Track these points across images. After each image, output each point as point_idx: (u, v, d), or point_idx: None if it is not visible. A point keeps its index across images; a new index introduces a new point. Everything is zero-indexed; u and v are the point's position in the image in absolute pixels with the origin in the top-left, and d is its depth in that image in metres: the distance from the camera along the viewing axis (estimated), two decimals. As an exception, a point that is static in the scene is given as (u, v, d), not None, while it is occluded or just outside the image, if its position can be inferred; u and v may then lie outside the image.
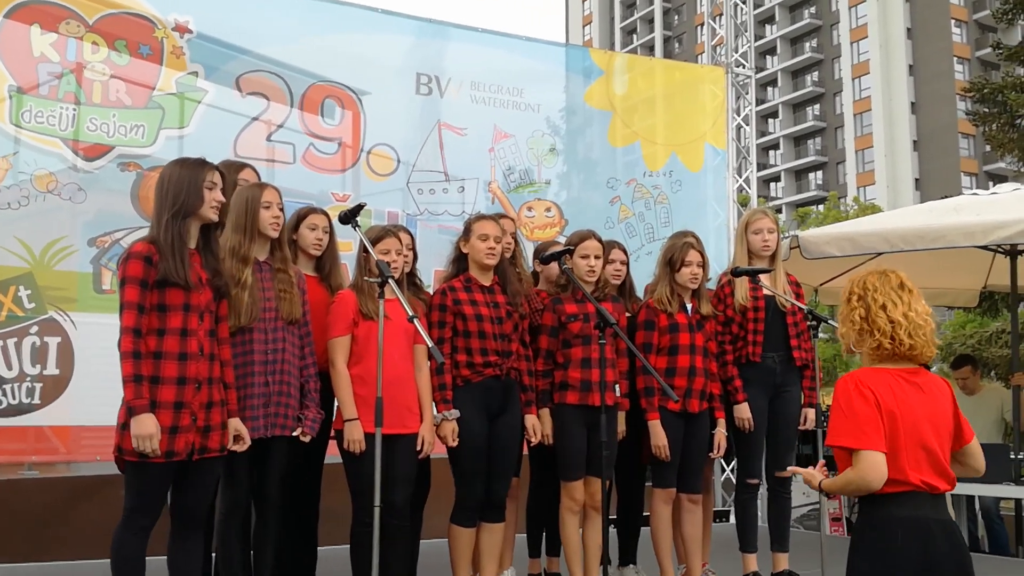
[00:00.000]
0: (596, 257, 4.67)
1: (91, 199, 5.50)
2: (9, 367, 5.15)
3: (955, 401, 2.84)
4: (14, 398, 5.15)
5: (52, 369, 5.27)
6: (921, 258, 6.25)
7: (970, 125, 19.41)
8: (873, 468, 2.65)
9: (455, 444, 4.31)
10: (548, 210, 7.17)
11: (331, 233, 4.46)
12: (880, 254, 6.20)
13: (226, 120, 6.03)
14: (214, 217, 3.57)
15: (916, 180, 54.19)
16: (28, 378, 5.18)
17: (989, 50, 17.63)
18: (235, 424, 3.65)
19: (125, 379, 3.35)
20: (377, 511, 3.72)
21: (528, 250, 5.55)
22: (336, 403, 4.19)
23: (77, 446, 5.41)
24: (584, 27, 76.00)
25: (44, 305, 5.29)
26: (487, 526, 4.46)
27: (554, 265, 4.74)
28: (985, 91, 15.01)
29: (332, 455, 4.25)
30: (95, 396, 5.09)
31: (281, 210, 4.03)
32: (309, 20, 6.46)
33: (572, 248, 4.63)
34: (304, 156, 6.24)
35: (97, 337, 5.10)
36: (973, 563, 2.74)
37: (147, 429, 3.30)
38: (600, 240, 4.74)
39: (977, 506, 6.82)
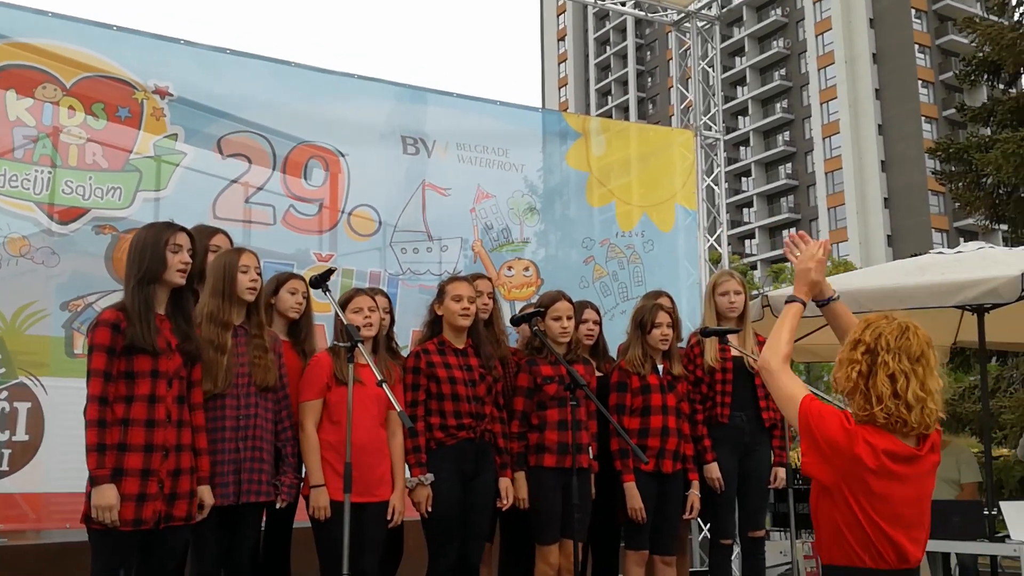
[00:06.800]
0: (568, 318, 4.70)
1: (64, 263, 5.45)
2: (-23, 433, 5.08)
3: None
4: (-18, 464, 5.07)
5: (21, 435, 5.18)
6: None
7: (939, 183, 19.72)
8: (785, 382, 2.74)
9: (429, 512, 4.28)
10: (527, 269, 7.21)
11: (308, 300, 4.48)
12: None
13: (204, 182, 5.99)
14: (180, 281, 3.55)
15: (888, 236, 54.94)
16: (-3, 444, 5.10)
17: (955, 110, 17.96)
18: (202, 492, 3.61)
19: (88, 448, 3.33)
20: (347, 579, 3.68)
21: (506, 310, 5.57)
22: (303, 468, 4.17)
23: (47, 513, 5.29)
24: (560, 88, 77.21)
25: (14, 370, 5.22)
26: (461, 592, 4.42)
27: (527, 326, 4.77)
28: (951, 151, 15.22)
29: (305, 520, 4.20)
30: (65, 462, 4.99)
31: (259, 274, 4.03)
32: (289, 87, 6.46)
33: (543, 310, 4.67)
34: (284, 217, 6.23)
35: (68, 402, 5.02)
36: None
37: (107, 500, 3.28)
38: (571, 301, 4.78)
39: (953, 562, 6.82)
